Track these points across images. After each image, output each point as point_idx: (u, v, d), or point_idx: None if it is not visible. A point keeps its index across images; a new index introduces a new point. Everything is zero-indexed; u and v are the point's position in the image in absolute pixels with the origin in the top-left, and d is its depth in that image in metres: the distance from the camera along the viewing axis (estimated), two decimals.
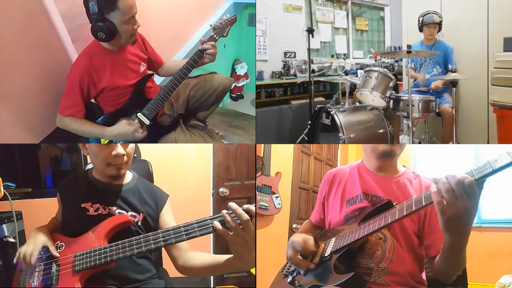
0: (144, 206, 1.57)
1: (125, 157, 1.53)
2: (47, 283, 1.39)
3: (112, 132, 1.92)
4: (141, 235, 1.38)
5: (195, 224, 1.30)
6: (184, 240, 1.32)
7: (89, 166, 1.68)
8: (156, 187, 1.70)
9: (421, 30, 3.25)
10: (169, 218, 1.61)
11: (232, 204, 1.24)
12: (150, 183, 1.72)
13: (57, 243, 1.48)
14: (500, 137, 2.83)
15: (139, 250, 1.35)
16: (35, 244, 1.44)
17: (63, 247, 1.46)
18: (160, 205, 1.60)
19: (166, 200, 1.64)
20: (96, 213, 1.51)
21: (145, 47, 2.15)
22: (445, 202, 1.01)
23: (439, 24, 3.18)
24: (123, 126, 1.93)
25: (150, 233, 1.37)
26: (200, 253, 1.49)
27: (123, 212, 1.53)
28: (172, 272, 1.74)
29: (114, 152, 1.49)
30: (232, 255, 1.32)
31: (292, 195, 3.18)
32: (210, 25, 2.08)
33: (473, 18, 3.24)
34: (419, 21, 3.23)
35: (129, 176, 1.64)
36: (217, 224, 1.24)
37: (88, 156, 1.60)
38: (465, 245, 1.12)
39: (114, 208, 1.53)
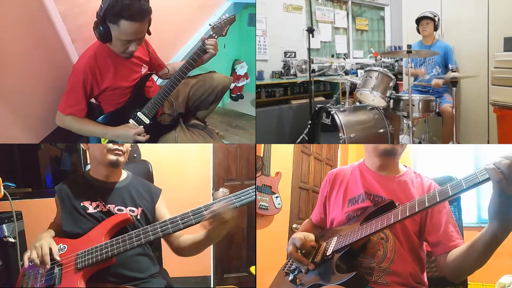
0: (141, 200, 1.62)
1: (124, 146, 1.60)
2: (50, 283, 1.40)
3: (114, 133, 1.93)
4: (140, 228, 1.43)
5: (190, 213, 1.39)
6: (181, 229, 1.40)
7: (89, 167, 1.70)
8: (149, 183, 1.76)
9: (419, 31, 3.26)
10: (164, 210, 1.67)
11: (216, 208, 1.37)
12: (143, 179, 1.76)
13: (59, 245, 1.49)
14: (500, 137, 2.83)
15: (139, 242, 1.39)
16: (46, 241, 1.46)
17: (66, 249, 1.47)
18: (155, 198, 1.66)
19: (160, 194, 1.70)
20: (96, 211, 1.54)
21: (148, 50, 2.15)
22: (504, 180, 0.95)
23: (434, 20, 3.17)
24: (126, 129, 1.95)
25: (148, 225, 1.43)
26: (187, 235, 1.57)
27: (122, 208, 1.57)
28: (172, 272, 1.74)
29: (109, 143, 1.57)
30: (204, 233, 1.47)
31: (292, 195, 3.17)
32: (210, 24, 2.08)
33: (473, 18, 3.24)
34: (416, 23, 3.25)
35: (124, 174, 1.70)
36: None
37: (88, 156, 1.62)
38: (505, 238, 1.06)
39: (113, 205, 1.57)
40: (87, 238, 1.47)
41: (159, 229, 1.39)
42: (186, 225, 1.38)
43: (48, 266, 1.42)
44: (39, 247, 1.43)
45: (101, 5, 1.78)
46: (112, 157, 1.57)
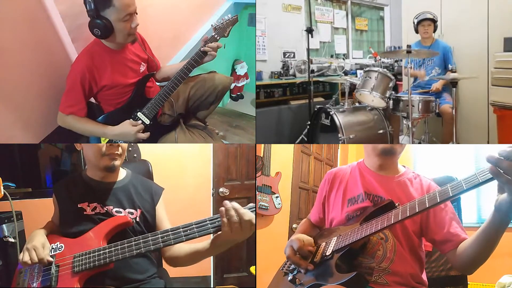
0: (141, 201, 1.58)
1: (120, 148, 1.54)
2: (46, 284, 1.39)
3: (114, 131, 1.93)
4: (140, 236, 1.38)
5: (194, 226, 1.32)
6: (183, 241, 1.34)
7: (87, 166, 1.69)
8: (151, 181, 1.72)
9: (417, 31, 3.26)
10: (162, 213, 1.63)
11: (235, 204, 1.27)
12: (144, 178, 1.73)
13: (56, 243, 1.47)
14: (500, 137, 2.83)
15: (138, 251, 1.35)
16: (39, 242, 1.44)
17: (63, 248, 1.46)
18: (156, 199, 1.62)
19: (161, 194, 1.65)
20: (93, 212, 1.52)
21: (144, 48, 2.15)
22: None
23: (434, 22, 3.17)
24: (126, 126, 1.94)
25: (149, 234, 1.38)
26: (182, 244, 1.49)
27: (120, 210, 1.54)
28: (172, 272, 1.74)
29: (108, 143, 1.51)
30: (210, 243, 1.39)
31: (292, 195, 3.18)
32: (212, 25, 2.08)
33: (473, 18, 3.24)
34: (414, 22, 3.24)
35: (122, 173, 1.65)
36: (222, 210, 1.26)
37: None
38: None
39: (111, 207, 1.53)
40: (84, 240, 1.45)
41: (160, 239, 1.34)
42: (189, 238, 1.32)
43: (43, 258, 1.41)
44: (32, 249, 1.41)
45: (87, 1, 1.78)
46: (107, 162, 1.53)
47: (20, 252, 1.45)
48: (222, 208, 1.27)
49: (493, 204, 1.07)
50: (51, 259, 1.43)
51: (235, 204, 1.27)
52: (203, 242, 1.42)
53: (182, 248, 1.50)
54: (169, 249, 1.53)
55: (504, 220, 1.07)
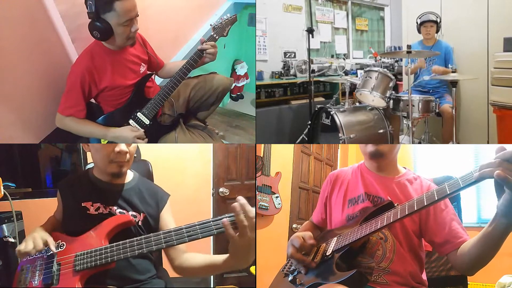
0: (145, 206, 1.57)
1: (128, 155, 1.52)
2: (47, 282, 1.39)
3: (114, 133, 1.93)
4: (142, 236, 1.37)
5: (197, 226, 1.29)
6: (185, 242, 1.31)
7: (89, 166, 1.68)
8: (157, 187, 1.71)
9: (419, 31, 3.26)
10: (169, 218, 1.61)
11: (241, 198, 1.23)
12: (151, 182, 1.73)
13: (58, 242, 1.47)
14: (500, 137, 2.83)
15: (140, 251, 1.34)
16: (39, 234, 1.45)
17: (64, 246, 1.46)
18: (161, 205, 1.60)
19: (167, 200, 1.64)
20: (96, 212, 1.51)
21: (145, 48, 2.15)
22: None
23: (437, 23, 3.18)
24: (126, 131, 1.94)
25: (151, 234, 1.36)
26: (195, 254, 1.48)
27: (124, 212, 1.53)
28: (172, 272, 1.74)
29: (117, 149, 1.48)
30: (228, 255, 1.32)
31: (292, 195, 3.18)
32: (210, 25, 2.08)
33: (473, 18, 3.24)
34: (417, 23, 3.25)
35: (130, 176, 1.64)
36: (226, 221, 1.22)
37: (89, 155, 1.59)
38: None
39: (115, 207, 1.53)
40: (86, 238, 1.45)
41: (162, 240, 1.32)
42: (192, 239, 1.28)
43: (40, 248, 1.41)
44: (34, 237, 1.42)
45: (88, 3, 1.78)
46: (115, 169, 1.52)
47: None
48: (225, 220, 1.23)
49: (495, 206, 1.06)
50: (53, 249, 1.43)
51: (241, 200, 1.23)
52: (220, 255, 1.37)
53: (196, 258, 1.46)
54: (179, 258, 1.49)
55: (511, 224, 1.06)
